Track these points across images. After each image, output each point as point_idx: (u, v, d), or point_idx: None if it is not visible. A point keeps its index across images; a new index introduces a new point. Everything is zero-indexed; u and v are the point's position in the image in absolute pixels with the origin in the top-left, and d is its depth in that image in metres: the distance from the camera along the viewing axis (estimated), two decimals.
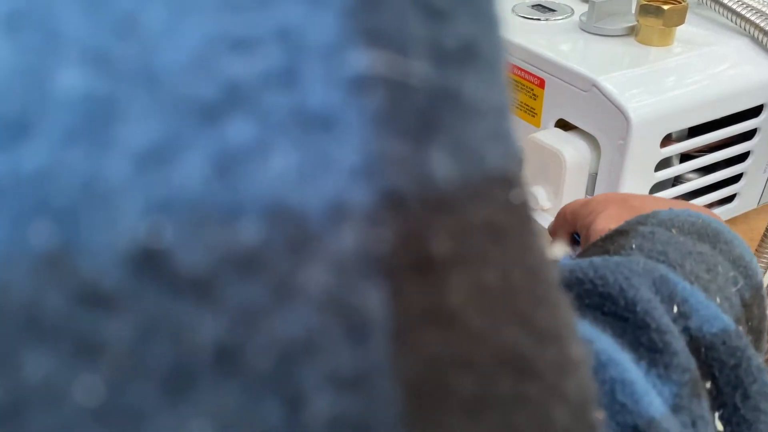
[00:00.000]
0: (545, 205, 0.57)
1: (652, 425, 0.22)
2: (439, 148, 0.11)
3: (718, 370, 0.26)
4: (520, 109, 0.60)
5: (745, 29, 0.58)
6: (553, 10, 0.64)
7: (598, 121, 0.53)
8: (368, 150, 0.10)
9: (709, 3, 0.60)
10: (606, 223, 0.37)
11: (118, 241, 0.09)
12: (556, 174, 0.55)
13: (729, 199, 0.62)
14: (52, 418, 0.09)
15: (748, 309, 0.30)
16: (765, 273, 0.61)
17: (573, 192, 0.56)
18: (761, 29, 0.57)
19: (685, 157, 0.58)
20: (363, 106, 0.10)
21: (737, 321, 0.28)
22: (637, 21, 0.57)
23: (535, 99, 0.58)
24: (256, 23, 0.10)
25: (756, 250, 0.60)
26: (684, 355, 0.24)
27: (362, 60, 0.10)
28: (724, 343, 0.26)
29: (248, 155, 0.09)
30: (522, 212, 0.13)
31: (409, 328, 0.10)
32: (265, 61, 0.10)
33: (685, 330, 0.26)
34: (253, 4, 0.10)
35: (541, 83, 0.57)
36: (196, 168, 0.09)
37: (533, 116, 0.59)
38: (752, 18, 0.57)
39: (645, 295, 0.25)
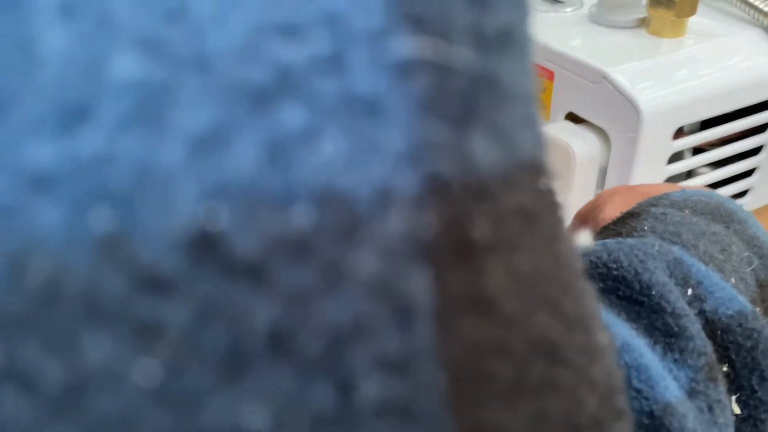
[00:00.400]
0: None
1: (668, 410, 0.22)
2: (480, 134, 0.11)
3: (734, 353, 0.25)
4: None
5: (757, 20, 0.57)
6: (562, 2, 0.63)
7: (608, 114, 0.52)
8: (413, 135, 0.10)
9: None
10: (614, 211, 0.36)
11: (175, 225, 0.09)
12: (566, 168, 0.54)
13: (742, 195, 0.61)
14: (112, 400, 0.09)
15: (763, 289, 0.30)
16: None
17: (583, 186, 0.55)
18: None
19: (697, 151, 0.57)
20: (408, 91, 0.10)
21: (753, 302, 0.28)
22: (648, 12, 0.57)
23: (543, 92, 0.57)
24: (303, 9, 0.10)
25: None
26: (700, 339, 0.24)
27: (407, 45, 0.10)
28: (740, 325, 0.25)
29: (299, 140, 0.09)
30: (550, 199, 0.13)
31: (451, 312, 0.10)
32: (313, 46, 0.10)
33: (701, 313, 0.26)
34: None
35: (550, 76, 0.56)
36: (249, 153, 0.09)
37: (542, 109, 0.58)
38: (765, 9, 0.56)
39: (660, 279, 0.25)
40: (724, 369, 0.25)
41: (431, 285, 0.10)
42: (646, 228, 0.30)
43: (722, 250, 0.29)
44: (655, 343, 0.24)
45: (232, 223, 0.09)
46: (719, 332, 0.25)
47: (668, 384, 0.22)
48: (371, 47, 0.10)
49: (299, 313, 0.09)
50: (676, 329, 0.24)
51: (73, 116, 0.09)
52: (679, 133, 0.53)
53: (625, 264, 0.25)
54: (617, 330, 0.23)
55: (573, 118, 0.56)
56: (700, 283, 0.26)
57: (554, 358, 0.12)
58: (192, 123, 0.09)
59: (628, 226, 0.31)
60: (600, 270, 0.26)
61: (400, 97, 0.10)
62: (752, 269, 0.30)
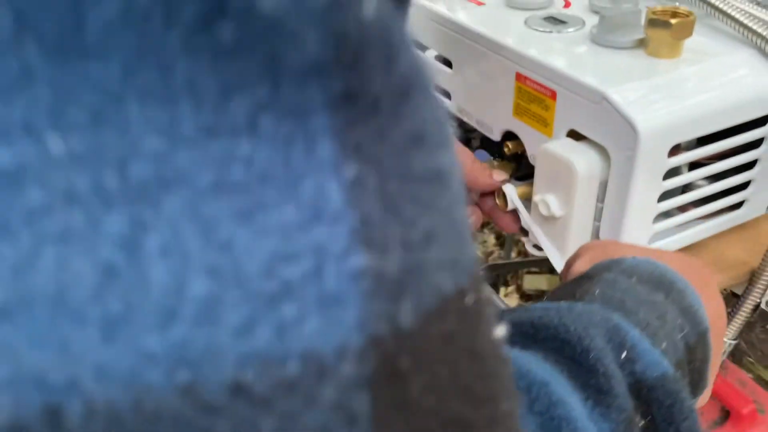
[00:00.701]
0: (557, 213, 0.58)
1: None
2: (406, 302, 0.16)
3: (656, 409, 0.32)
4: (533, 120, 0.62)
5: (752, 40, 0.60)
6: (565, 23, 0.65)
7: (607, 133, 0.55)
8: (361, 313, 0.16)
9: (716, 14, 0.62)
10: (582, 266, 0.45)
11: (222, 377, 0.14)
12: (568, 183, 0.57)
13: (737, 206, 0.64)
14: None
15: (691, 351, 0.37)
16: None
17: (584, 200, 0.57)
18: None
19: (694, 165, 0.59)
20: (359, 287, 0.16)
21: (678, 364, 0.35)
22: (646, 33, 0.59)
23: (547, 110, 0.60)
24: (300, 242, 0.15)
25: (765, 256, 0.62)
26: (623, 398, 0.31)
27: (360, 259, 0.16)
28: (663, 386, 0.32)
29: (293, 323, 0.15)
30: (474, 310, 0.18)
31: (384, 416, 0.16)
32: (305, 265, 0.15)
33: (632, 373, 0.33)
34: (299, 228, 0.15)
35: (553, 95, 0.59)
36: (265, 334, 0.15)
37: (545, 126, 0.61)
38: (759, 30, 0.59)
39: (598, 344, 0.32)
40: (642, 423, 0.32)
41: (370, 401, 0.16)
42: (596, 293, 0.37)
43: (659, 317, 0.36)
44: (587, 398, 0.31)
45: (253, 374, 0.15)
46: (645, 390, 0.32)
47: None
48: (338, 262, 0.15)
49: (289, 423, 0.15)
50: (606, 388, 0.31)
51: (168, 318, 0.14)
52: (676, 149, 0.56)
53: (571, 329, 0.32)
54: (556, 386, 0.30)
55: (574, 134, 0.58)
56: (633, 347, 0.33)
57: (464, 429, 0.18)
58: (234, 318, 0.14)
59: (582, 288, 0.39)
60: (551, 331, 0.33)
61: (354, 292, 0.15)
62: (683, 335, 0.37)
